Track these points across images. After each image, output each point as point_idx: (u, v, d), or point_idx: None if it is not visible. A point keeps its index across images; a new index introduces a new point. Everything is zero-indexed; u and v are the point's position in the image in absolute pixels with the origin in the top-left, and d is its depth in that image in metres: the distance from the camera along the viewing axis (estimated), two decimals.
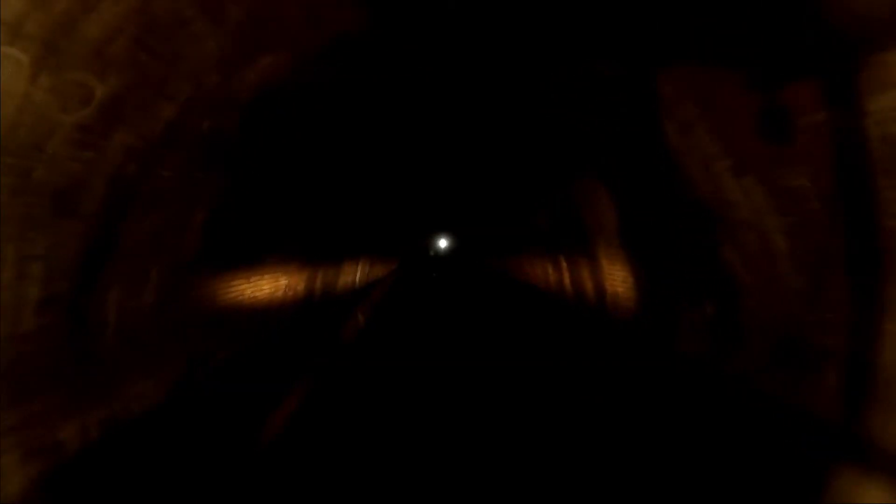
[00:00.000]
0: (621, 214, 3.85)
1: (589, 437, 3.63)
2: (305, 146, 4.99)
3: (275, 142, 4.22)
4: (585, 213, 4.83)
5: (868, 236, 1.88)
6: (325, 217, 6.66)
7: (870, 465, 1.88)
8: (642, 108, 2.88)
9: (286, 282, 5.31)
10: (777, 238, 2.39)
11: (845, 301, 2.03)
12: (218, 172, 3.26)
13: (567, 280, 6.91)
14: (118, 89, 2.13)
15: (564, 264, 6.78)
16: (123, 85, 2.14)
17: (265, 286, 4.82)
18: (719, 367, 3.30)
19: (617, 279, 4.37)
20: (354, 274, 9.93)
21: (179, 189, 2.95)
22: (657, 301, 3.94)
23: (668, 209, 3.13)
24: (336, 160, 6.20)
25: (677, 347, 3.86)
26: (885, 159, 1.72)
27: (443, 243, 34.07)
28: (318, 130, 4.96)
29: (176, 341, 3.64)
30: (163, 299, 3.26)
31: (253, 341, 4.88)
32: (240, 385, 4.46)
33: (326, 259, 7.11)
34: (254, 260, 4.42)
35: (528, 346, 6.85)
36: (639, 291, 4.12)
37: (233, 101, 2.75)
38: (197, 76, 2.32)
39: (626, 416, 3.89)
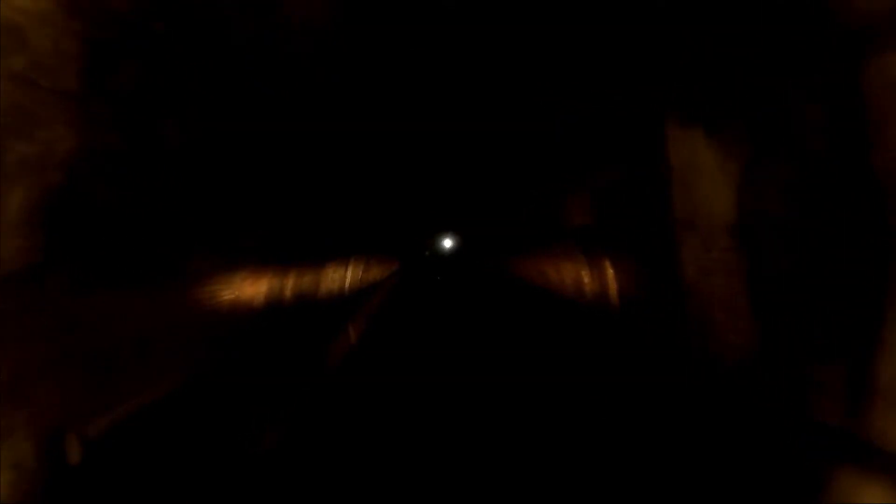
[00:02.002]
0: (747, 193, 2.45)
1: None
2: (263, 105, 3.63)
3: (197, 84, 2.86)
4: (657, 193, 3.43)
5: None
6: (297, 206, 5.30)
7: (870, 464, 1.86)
8: None
9: (232, 294, 3.95)
10: None
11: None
12: (47, 117, 1.89)
13: (612, 291, 5.51)
14: None
15: (611, 271, 5.38)
16: None
17: (192, 303, 3.46)
18: None
19: (720, 299, 2.99)
20: (343, 279, 8.57)
21: None
22: (801, 343, 2.56)
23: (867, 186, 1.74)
24: (313, 131, 4.85)
25: (839, 420, 2.46)
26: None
27: (447, 243, 32.66)
28: (284, 84, 3.61)
29: (10, 403, 2.29)
30: None
31: (176, 383, 3.52)
32: (143, 458, 3.10)
33: (301, 260, 5.76)
34: (165, 265, 3.06)
35: (570, 393, 5.49)
36: (765, 324, 2.73)
37: None
38: None
39: None
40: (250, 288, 4.30)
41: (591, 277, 6.25)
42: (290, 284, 5.41)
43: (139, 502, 3.06)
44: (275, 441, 4.08)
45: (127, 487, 2.95)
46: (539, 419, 4.69)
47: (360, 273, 10.68)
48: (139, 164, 2.54)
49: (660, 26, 2.61)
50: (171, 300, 3.20)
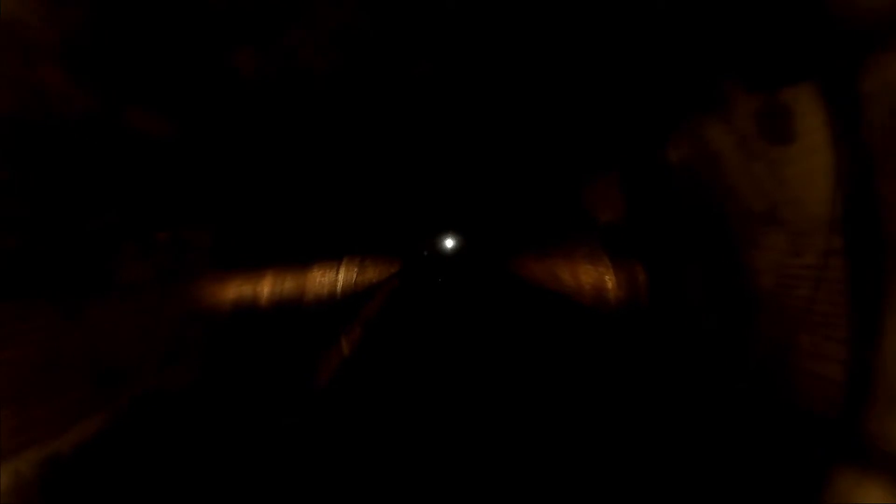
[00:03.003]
0: (864, 170, 1.76)
1: None
2: (224, 68, 2.98)
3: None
4: (721, 177, 2.77)
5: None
6: (272, 197, 4.66)
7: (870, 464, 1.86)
8: None
9: (184, 306, 3.30)
10: None
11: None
12: None
13: (643, 300, 4.85)
14: None
15: (642, 276, 4.72)
16: None
17: (128, 319, 2.80)
18: None
19: (807, 318, 2.32)
20: (334, 282, 7.92)
21: None
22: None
23: None
24: (294, 114, 4.20)
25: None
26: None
27: (449, 242, 31.99)
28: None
29: None
30: None
31: (108, 418, 2.86)
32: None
33: (279, 261, 5.11)
34: (84, 272, 2.40)
35: (591, 422, 4.83)
36: (860, 349, 2.07)
37: None
38: None
39: None
40: (211, 297, 3.65)
41: (617, 283, 5.59)
42: (265, 291, 4.76)
43: None
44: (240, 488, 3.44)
45: None
46: (552, 455, 4.04)
47: (355, 275, 10.03)
48: (36, 135, 1.89)
49: None
50: (97, 316, 2.55)
